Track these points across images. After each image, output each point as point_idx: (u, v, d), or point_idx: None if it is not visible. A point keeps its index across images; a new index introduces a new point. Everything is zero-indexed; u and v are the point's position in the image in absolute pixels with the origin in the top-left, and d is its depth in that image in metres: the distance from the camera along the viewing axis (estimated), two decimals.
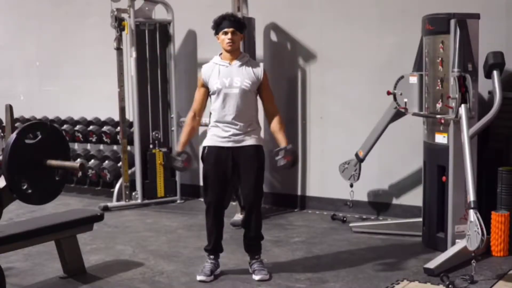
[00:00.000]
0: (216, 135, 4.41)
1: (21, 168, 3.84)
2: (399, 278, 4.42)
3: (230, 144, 4.38)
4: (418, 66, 5.25)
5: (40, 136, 3.97)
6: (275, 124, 4.49)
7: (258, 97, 4.52)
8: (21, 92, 8.51)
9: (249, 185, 4.43)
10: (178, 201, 7.01)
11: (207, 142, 4.47)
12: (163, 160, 4.41)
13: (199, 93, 4.53)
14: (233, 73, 4.38)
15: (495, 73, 4.86)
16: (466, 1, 5.32)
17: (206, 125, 4.70)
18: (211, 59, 4.50)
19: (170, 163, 4.52)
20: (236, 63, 4.41)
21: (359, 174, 5.85)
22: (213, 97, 4.43)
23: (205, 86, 4.46)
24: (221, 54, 4.47)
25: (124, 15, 6.75)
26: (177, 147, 4.66)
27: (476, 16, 4.82)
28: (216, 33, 4.42)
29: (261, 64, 4.52)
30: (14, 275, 4.60)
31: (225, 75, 4.38)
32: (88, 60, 7.80)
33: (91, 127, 7.51)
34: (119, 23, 6.73)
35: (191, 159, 4.53)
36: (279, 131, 4.49)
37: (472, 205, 4.30)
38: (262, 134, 4.63)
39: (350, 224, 5.78)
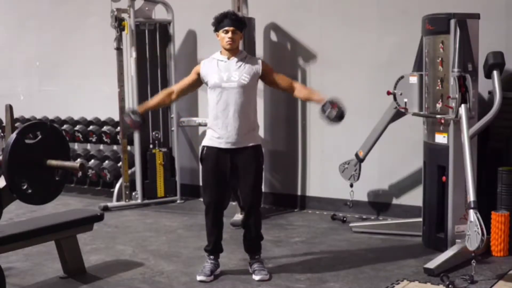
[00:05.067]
0: (215, 136, 4.39)
1: (21, 168, 3.84)
2: (399, 278, 4.42)
3: (228, 146, 4.36)
4: (418, 66, 5.25)
5: (40, 136, 3.97)
6: (301, 90, 4.52)
7: (269, 86, 4.59)
8: (21, 92, 8.51)
9: (248, 186, 4.42)
10: (178, 201, 7.01)
11: (206, 142, 4.45)
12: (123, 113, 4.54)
13: (188, 78, 4.55)
14: (232, 68, 4.37)
15: (495, 73, 4.86)
16: (466, 1, 5.32)
17: (206, 124, 4.70)
18: (212, 55, 4.49)
19: (123, 116, 4.55)
20: (235, 59, 4.40)
21: (359, 174, 5.85)
22: (210, 92, 4.40)
23: (198, 76, 4.46)
24: (220, 51, 4.47)
25: (124, 15, 6.75)
26: (139, 107, 4.66)
27: (476, 16, 4.82)
28: (216, 30, 4.41)
29: (259, 59, 4.52)
30: (14, 275, 4.60)
31: (223, 70, 4.37)
32: (88, 60, 7.80)
33: (91, 127, 7.51)
34: (119, 23, 6.73)
35: (140, 124, 4.50)
36: (310, 93, 4.54)
37: (472, 205, 4.30)
38: (262, 134, 4.62)
39: (350, 224, 5.78)
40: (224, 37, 4.36)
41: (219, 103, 4.35)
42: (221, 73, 4.36)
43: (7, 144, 3.81)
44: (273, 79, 4.49)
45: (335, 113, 4.29)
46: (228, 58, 4.40)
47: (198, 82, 4.51)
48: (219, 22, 4.38)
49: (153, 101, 4.66)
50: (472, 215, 4.26)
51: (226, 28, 4.35)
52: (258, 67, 4.42)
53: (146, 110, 4.66)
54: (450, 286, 4.19)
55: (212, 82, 4.36)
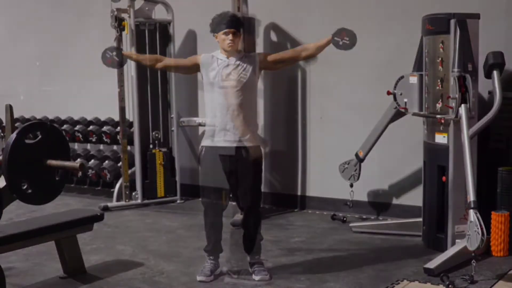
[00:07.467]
0: (214, 135, 4.39)
1: (21, 168, 3.84)
2: (399, 278, 4.42)
3: (228, 145, 4.36)
4: (418, 66, 5.25)
5: (40, 136, 3.96)
6: (307, 48, 4.58)
7: (277, 68, 4.68)
8: (21, 92, 8.51)
9: (248, 186, 4.42)
10: (178, 201, 7.01)
11: (205, 142, 4.45)
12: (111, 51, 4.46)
13: (185, 60, 4.63)
14: (231, 67, 4.36)
15: (495, 73, 4.86)
16: (466, 1, 5.32)
17: (204, 124, 4.69)
18: (212, 53, 4.49)
19: (105, 51, 4.52)
20: (233, 58, 4.39)
21: (359, 174, 5.85)
22: (209, 91, 4.39)
23: (196, 65, 4.47)
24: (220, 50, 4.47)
25: (124, 15, 6.75)
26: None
27: (476, 16, 4.82)
28: (215, 31, 4.40)
29: (256, 53, 4.55)
30: (14, 275, 4.60)
31: (222, 68, 4.36)
32: (88, 60, 7.78)
33: (91, 127, 7.51)
34: (119, 23, 6.73)
35: (118, 64, 4.52)
36: (316, 44, 4.56)
37: (472, 205, 4.30)
38: (262, 134, 4.62)
39: (350, 224, 5.78)
40: (225, 39, 4.34)
41: (218, 102, 4.34)
42: (221, 71, 4.35)
43: (7, 144, 3.81)
44: (274, 58, 4.49)
45: (348, 41, 4.38)
46: (227, 58, 4.40)
47: (193, 69, 4.54)
48: (218, 24, 4.36)
49: (139, 55, 4.75)
50: (472, 215, 4.26)
51: (226, 30, 4.34)
52: (255, 60, 4.42)
53: (129, 57, 4.75)
54: (450, 286, 4.19)
55: (211, 79, 4.36)
